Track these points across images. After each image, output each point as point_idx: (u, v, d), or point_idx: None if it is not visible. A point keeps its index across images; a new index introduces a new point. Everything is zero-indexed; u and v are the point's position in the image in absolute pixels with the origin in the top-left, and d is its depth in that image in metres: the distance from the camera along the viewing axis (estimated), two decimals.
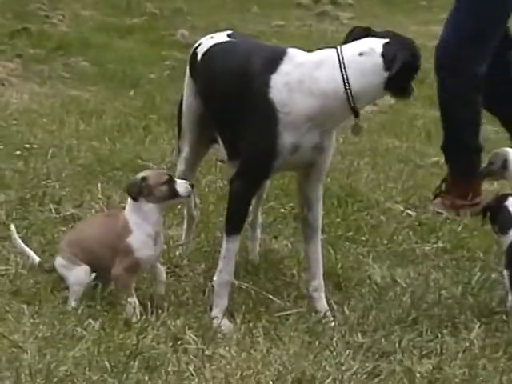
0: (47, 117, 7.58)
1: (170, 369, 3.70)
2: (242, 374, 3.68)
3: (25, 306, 4.23)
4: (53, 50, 10.13)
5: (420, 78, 9.68)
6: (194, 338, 3.99)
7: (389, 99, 8.95)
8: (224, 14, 12.81)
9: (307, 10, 14.17)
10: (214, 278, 4.30)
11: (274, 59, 4.26)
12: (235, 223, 4.33)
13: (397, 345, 4.03)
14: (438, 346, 4.03)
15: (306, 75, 4.19)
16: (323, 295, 4.43)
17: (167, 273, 4.64)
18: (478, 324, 4.26)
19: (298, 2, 14.50)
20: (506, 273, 4.39)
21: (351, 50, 4.18)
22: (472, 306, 4.48)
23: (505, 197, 4.57)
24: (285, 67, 4.22)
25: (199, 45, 4.74)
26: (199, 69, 4.67)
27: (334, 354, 3.88)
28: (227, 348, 3.90)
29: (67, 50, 10.21)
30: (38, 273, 4.57)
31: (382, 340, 4.06)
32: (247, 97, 4.28)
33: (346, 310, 4.37)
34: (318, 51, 4.31)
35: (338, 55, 4.15)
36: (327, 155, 4.35)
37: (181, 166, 4.88)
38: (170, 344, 3.92)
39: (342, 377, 3.70)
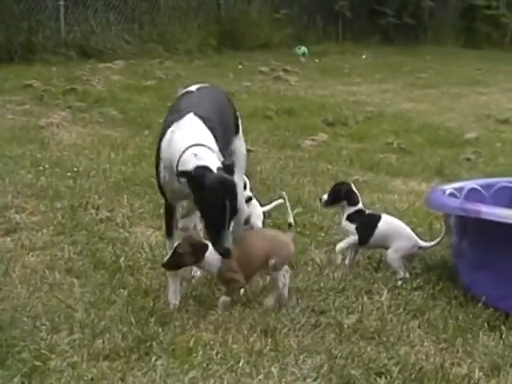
0: (88, 149, 7.53)
1: (176, 323, 3.70)
2: (225, 326, 3.68)
3: (75, 280, 4.22)
4: (92, 103, 10.07)
5: (344, 121, 9.85)
6: (193, 302, 3.98)
7: (322, 136, 9.07)
8: (209, 78, 12.75)
9: (266, 75, 14.16)
10: None
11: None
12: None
13: (331, 305, 4.03)
14: (359, 306, 4.03)
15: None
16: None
17: None
18: (386, 290, 4.27)
19: (260, 70, 14.52)
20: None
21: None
22: (382, 278, 4.49)
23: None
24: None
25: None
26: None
27: (289, 312, 3.89)
28: (214, 310, 3.90)
29: (102, 103, 10.14)
30: (84, 257, 4.56)
31: (321, 302, 4.07)
32: None
33: (296, 281, 4.37)
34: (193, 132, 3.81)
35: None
36: None
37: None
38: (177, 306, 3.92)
39: (295, 328, 3.70)
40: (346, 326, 3.77)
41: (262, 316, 3.80)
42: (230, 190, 3.63)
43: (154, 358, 3.30)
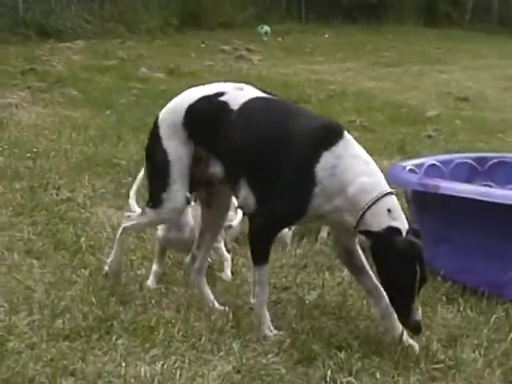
0: (49, 130, 7.44)
1: (137, 302, 3.66)
2: (188, 304, 3.67)
3: (35, 261, 4.15)
4: (52, 83, 9.95)
5: (306, 100, 9.83)
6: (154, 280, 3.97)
7: None
8: (172, 58, 12.71)
9: (229, 54, 14.13)
10: (252, 301, 3.42)
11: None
12: (260, 255, 3.37)
13: (293, 282, 4.04)
14: (321, 282, 4.04)
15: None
16: (394, 316, 3.34)
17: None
18: None
19: (222, 49, 14.46)
20: None
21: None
22: None
23: None
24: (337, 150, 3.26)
25: (221, 93, 3.43)
26: (232, 119, 3.39)
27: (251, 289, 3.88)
28: (176, 288, 3.89)
29: (63, 83, 10.03)
30: (45, 237, 4.51)
31: (283, 279, 4.08)
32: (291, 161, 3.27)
33: None
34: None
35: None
36: None
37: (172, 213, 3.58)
38: (138, 285, 3.88)
39: None
40: (307, 301, 3.78)
41: (223, 294, 3.80)
42: (421, 257, 3.21)
43: (114, 338, 3.27)
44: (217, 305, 3.68)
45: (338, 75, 12.72)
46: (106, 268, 3.87)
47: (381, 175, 3.33)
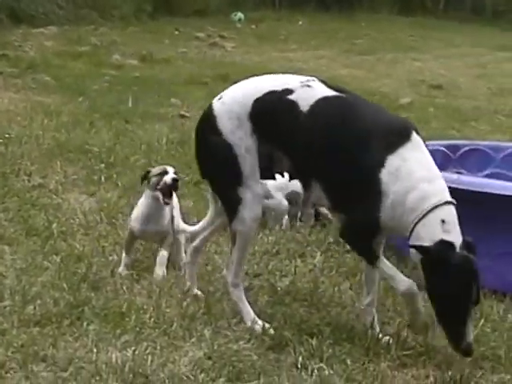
0: (21, 115, 7.35)
1: (108, 288, 3.65)
2: (159, 290, 3.67)
3: (6, 247, 4.12)
4: (24, 69, 9.84)
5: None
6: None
7: None
8: (145, 44, 12.61)
9: (202, 41, 14.06)
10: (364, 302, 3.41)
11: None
12: (367, 258, 3.30)
13: (265, 268, 4.04)
14: (293, 269, 4.05)
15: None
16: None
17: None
18: (319, 253, 4.31)
19: (196, 36, 14.39)
20: None
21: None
22: (315, 241, 4.53)
23: None
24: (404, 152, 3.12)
25: (289, 91, 3.26)
26: (301, 121, 3.24)
27: (222, 275, 3.87)
28: (148, 274, 3.88)
29: (35, 69, 9.91)
30: (16, 224, 4.47)
31: (255, 265, 4.08)
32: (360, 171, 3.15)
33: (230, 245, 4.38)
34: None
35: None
36: None
37: (254, 208, 3.32)
38: (109, 271, 3.87)
39: (228, 291, 3.68)
40: (279, 288, 3.79)
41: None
42: (477, 275, 2.99)
43: (85, 323, 3.26)
44: (195, 290, 3.67)
45: (311, 62, 12.72)
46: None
47: (442, 182, 3.15)
